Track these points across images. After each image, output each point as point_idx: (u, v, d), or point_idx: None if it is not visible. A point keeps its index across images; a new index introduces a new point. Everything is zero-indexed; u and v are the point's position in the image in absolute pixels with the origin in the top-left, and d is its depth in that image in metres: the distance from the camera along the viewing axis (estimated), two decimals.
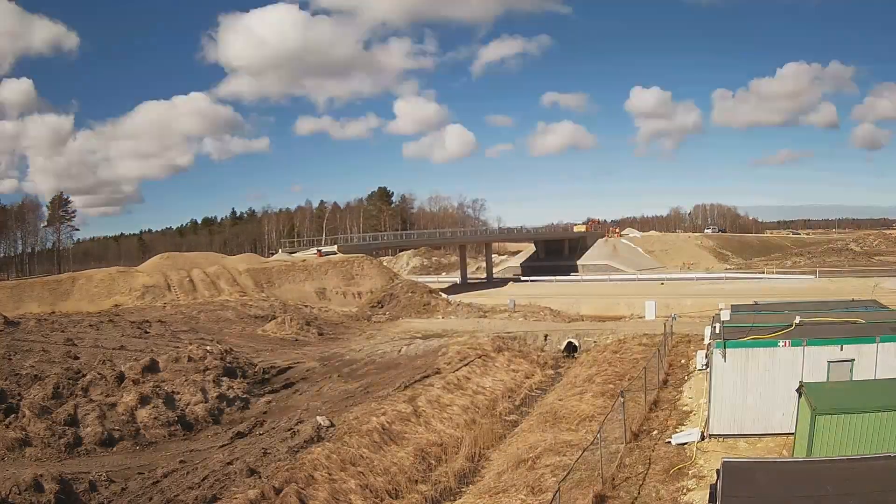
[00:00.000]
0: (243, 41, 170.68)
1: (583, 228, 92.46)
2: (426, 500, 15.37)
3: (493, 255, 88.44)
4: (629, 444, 15.73)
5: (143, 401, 19.98)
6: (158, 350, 27.87)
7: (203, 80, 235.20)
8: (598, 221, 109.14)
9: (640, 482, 13.34)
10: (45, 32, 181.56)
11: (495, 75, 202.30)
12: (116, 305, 45.74)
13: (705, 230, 75.11)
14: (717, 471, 8.07)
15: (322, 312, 44.80)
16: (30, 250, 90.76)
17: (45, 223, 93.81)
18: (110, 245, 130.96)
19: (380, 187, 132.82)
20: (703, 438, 14.99)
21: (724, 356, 14.76)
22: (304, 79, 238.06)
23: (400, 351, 31.08)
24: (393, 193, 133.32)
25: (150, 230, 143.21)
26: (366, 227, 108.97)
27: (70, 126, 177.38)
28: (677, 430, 16.32)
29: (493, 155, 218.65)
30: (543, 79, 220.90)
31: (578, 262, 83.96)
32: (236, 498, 14.22)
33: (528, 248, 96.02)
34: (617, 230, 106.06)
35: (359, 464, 16.47)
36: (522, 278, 77.50)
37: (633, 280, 69.50)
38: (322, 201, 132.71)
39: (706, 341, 20.97)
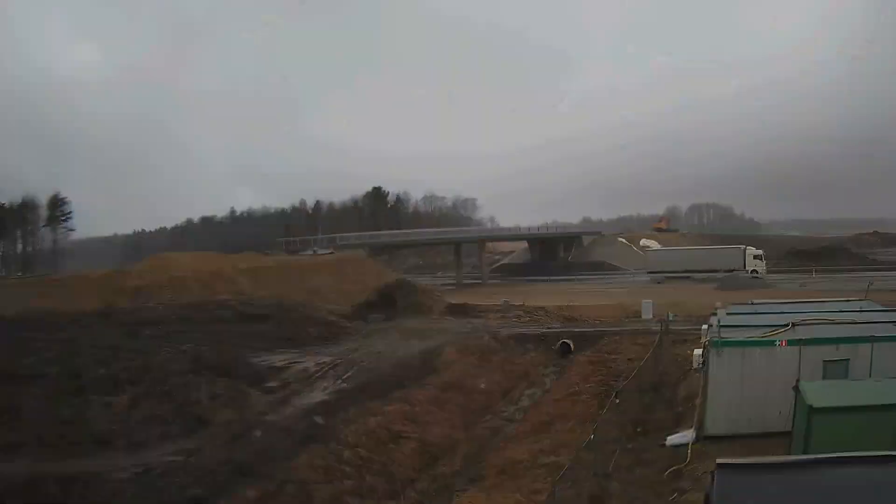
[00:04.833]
0: None
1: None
2: (423, 500, 15.39)
3: (487, 255, 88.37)
4: (624, 444, 15.76)
5: (139, 401, 19.94)
6: (154, 350, 27.76)
7: None
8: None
9: (636, 483, 13.36)
10: None
11: None
12: (112, 305, 45.50)
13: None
14: (712, 472, 8.07)
15: (318, 312, 44.66)
16: (30, 249, 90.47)
17: (44, 223, 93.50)
18: (106, 245, 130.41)
19: (374, 187, 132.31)
20: (698, 439, 14.99)
21: (720, 356, 14.78)
22: None
23: (396, 351, 31.06)
24: (388, 193, 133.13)
25: (145, 230, 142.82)
26: (361, 227, 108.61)
27: None
28: (673, 430, 16.34)
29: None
30: None
31: (574, 262, 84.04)
32: (233, 498, 14.22)
33: (523, 248, 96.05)
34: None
35: (356, 464, 16.49)
36: (518, 278, 77.55)
37: (630, 280, 69.56)
38: (318, 201, 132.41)
39: (702, 341, 21.00)
